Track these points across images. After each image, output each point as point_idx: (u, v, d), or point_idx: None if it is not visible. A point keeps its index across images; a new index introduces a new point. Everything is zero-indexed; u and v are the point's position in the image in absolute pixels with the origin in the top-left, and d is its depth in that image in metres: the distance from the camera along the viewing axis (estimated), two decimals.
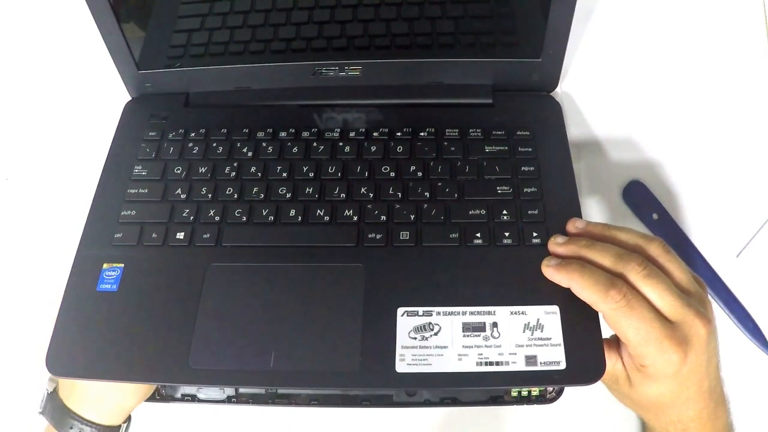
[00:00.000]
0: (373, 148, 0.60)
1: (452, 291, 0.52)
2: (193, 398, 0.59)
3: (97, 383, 0.53)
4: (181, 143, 0.62)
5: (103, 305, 0.53)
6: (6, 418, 0.61)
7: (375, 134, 0.61)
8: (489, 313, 0.51)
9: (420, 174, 0.59)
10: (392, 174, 0.59)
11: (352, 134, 0.62)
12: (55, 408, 0.54)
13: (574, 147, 0.65)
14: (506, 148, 0.60)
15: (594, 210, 0.66)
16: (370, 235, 0.55)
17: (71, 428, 0.53)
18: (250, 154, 0.61)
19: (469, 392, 0.58)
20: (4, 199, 0.69)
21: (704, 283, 0.53)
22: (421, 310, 0.51)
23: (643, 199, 0.66)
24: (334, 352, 0.50)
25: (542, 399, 0.58)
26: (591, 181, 0.66)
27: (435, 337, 0.50)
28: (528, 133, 0.61)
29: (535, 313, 0.51)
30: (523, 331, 0.50)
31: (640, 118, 0.69)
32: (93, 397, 0.54)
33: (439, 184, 0.58)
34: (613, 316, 0.47)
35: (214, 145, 0.61)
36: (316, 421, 0.60)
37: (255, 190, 0.58)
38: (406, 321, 0.51)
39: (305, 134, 0.62)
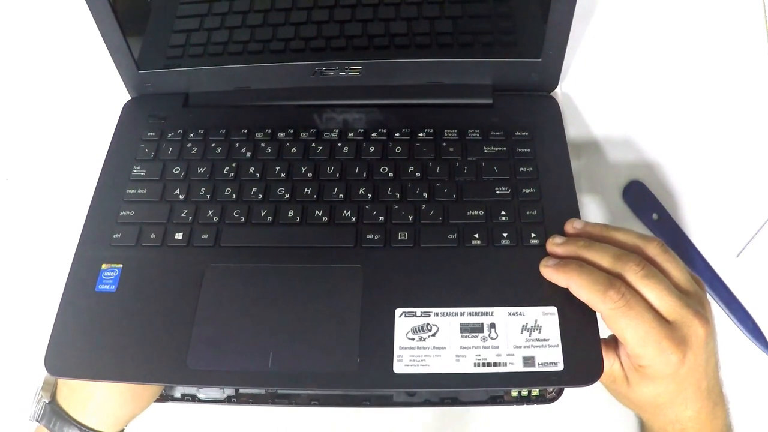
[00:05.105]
0: (372, 149, 0.60)
1: (450, 292, 0.52)
2: (193, 398, 0.59)
3: (100, 390, 0.53)
4: (180, 143, 0.62)
5: (101, 305, 0.53)
6: (5, 418, 0.61)
7: (374, 135, 0.61)
8: (487, 314, 0.51)
9: (418, 175, 0.58)
10: (391, 175, 0.59)
11: (350, 135, 0.62)
12: (55, 414, 0.53)
13: (574, 147, 0.66)
14: (505, 148, 0.60)
15: (594, 210, 0.66)
16: (368, 236, 0.55)
17: None
18: (248, 154, 0.61)
19: (469, 392, 0.58)
20: (4, 199, 0.69)
21: (703, 283, 0.53)
22: (419, 310, 0.51)
23: (643, 199, 0.65)
24: (332, 353, 0.50)
25: (542, 399, 0.58)
26: (591, 181, 0.66)
27: (433, 338, 0.50)
28: (527, 133, 0.61)
29: (533, 313, 0.50)
30: (521, 332, 0.50)
31: (639, 118, 0.69)
32: (94, 404, 0.53)
33: (438, 184, 0.58)
34: (612, 317, 0.47)
35: (213, 145, 0.61)
36: (316, 421, 0.61)
37: (253, 190, 0.58)
38: (404, 322, 0.51)
39: (304, 135, 0.62)
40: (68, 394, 0.54)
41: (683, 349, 0.47)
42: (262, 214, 0.57)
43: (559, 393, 0.58)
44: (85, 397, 0.54)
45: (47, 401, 0.54)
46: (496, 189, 0.57)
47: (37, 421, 0.54)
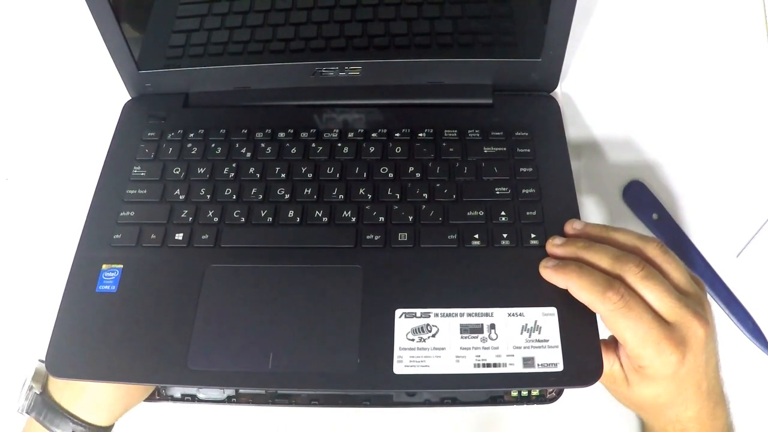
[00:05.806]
0: (372, 149, 0.60)
1: (450, 292, 0.52)
2: (193, 398, 0.59)
3: (93, 383, 0.53)
4: (180, 144, 0.62)
5: (102, 306, 0.53)
6: (7, 419, 0.61)
7: (374, 135, 0.61)
8: (487, 314, 0.51)
9: (418, 175, 0.58)
10: (391, 175, 0.59)
11: (350, 135, 0.61)
12: (46, 406, 0.53)
13: (574, 147, 0.66)
14: (505, 149, 0.60)
15: (594, 210, 0.66)
16: (368, 236, 0.55)
17: (63, 428, 0.53)
18: (248, 154, 0.61)
19: (469, 392, 0.58)
20: (4, 199, 0.69)
21: (703, 283, 0.53)
22: (419, 311, 0.51)
23: (643, 199, 0.65)
24: (332, 354, 0.50)
25: (542, 399, 0.58)
26: (591, 181, 0.66)
27: (433, 339, 0.50)
28: (527, 134, 0.61)
29: (532, 314, 0.50)
30: (521, 333, 0.50)
31: (639, 118, 0.68)
32: (88, 396, 0.54)
33: (438, 185, 0.58)
34: (611, 318, 0.47)
35: (213, 145, 0.61)
36: (316, 421, 0.61)
37: (254, 191, 0.58)
38: (404, 322, 0.51)
39: (304, 135, 0.62)
40: (62, 386, 0.54)
41: (683, 349, 0.47)
42: (262, 215, 0.57)
43: (559, 393, 0.58)
44: (79, 389, 0.54)
45: (38, 392, 0.54)
46: (496, 189, 0.57)
47: (26, 413, 0.54)
